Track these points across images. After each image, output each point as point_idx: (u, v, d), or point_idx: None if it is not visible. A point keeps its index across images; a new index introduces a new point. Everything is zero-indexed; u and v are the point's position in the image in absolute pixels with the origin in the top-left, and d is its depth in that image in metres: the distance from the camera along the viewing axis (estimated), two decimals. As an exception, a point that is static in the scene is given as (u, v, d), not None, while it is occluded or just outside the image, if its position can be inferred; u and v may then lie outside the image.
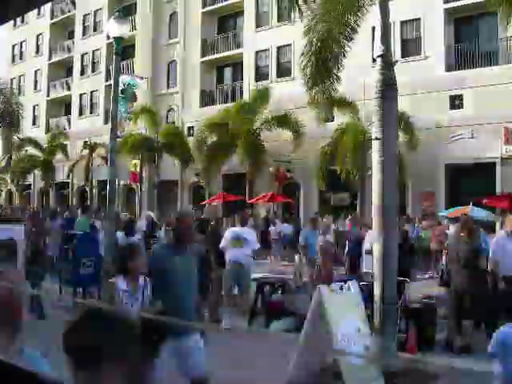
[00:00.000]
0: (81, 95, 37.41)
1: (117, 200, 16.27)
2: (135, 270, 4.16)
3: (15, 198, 39.49)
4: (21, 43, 43.02)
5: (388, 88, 6.69)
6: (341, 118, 20.21)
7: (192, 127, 28.76)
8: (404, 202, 19.94)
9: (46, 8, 39.12)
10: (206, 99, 29.86)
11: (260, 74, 27.29)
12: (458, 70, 20.63)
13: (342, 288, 6.03)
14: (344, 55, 8.50)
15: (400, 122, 15.20)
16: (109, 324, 1.60)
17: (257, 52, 27.51)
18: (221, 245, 8.98)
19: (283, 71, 26.28)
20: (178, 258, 4.34)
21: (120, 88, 20.02)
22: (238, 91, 28.38)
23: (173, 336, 4.06)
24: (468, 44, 20.56)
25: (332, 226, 14.20)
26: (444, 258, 10.38)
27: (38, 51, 41.47)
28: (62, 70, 40.06)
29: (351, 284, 6.07)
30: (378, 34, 6.95)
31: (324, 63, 8.24)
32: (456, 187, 20.29)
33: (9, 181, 37.29)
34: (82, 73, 37.50)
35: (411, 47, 21.94)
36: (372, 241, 7.16)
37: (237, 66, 29.17)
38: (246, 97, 25.79)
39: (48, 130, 38.84)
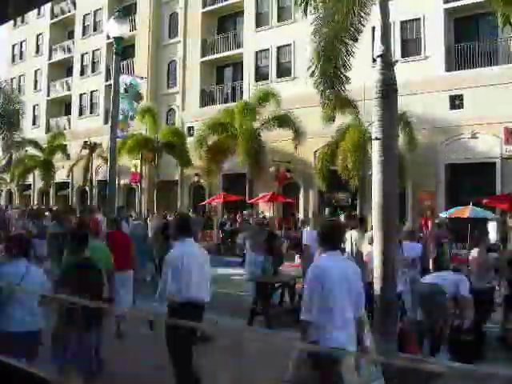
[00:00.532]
0: (81, 95, 37.38)
1: (117, 200, 16.26)
2: None
3: (15, 198, 39.51)
4: (21, 43, 43.00)
5: (388, 88, 6.70)
6: (341, 119, 20.18)
7: (192, 127, 28.75)
8: (404, 202, 19.95)
9: (46, 8, 39.14)
10: (206, 99, 29.83)
11: (260, 74, 27.26)
12: (458, 69, 20.60)
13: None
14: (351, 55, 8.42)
15: (400, 121, 15.24)
16: None
17: (257, 52, 27.48)
18: None
19: (283, 71, 26.27)
20: None
21: (123, 88, 20.11)
22: (238, 91, 28.37)
23: None
24: (468, 44, 20.54)
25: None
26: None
27: (38, 51, 41.44)
28: (62, 70, 40.02)
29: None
30: (377, 34, 6.94)
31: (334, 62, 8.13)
32: (456, 187, 20.28)
33: (9, 181, 37.28)
34: (82, 73, 37.46)
35: (411, 47, 21.92)
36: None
37: (237, 65, 29.15)
38: (246, 97, 25.77)
39: (48, 129, 38.81)
